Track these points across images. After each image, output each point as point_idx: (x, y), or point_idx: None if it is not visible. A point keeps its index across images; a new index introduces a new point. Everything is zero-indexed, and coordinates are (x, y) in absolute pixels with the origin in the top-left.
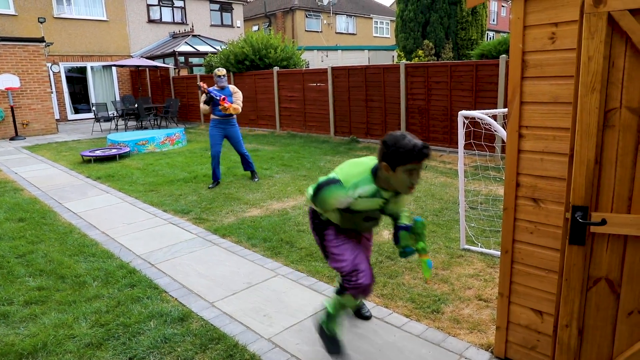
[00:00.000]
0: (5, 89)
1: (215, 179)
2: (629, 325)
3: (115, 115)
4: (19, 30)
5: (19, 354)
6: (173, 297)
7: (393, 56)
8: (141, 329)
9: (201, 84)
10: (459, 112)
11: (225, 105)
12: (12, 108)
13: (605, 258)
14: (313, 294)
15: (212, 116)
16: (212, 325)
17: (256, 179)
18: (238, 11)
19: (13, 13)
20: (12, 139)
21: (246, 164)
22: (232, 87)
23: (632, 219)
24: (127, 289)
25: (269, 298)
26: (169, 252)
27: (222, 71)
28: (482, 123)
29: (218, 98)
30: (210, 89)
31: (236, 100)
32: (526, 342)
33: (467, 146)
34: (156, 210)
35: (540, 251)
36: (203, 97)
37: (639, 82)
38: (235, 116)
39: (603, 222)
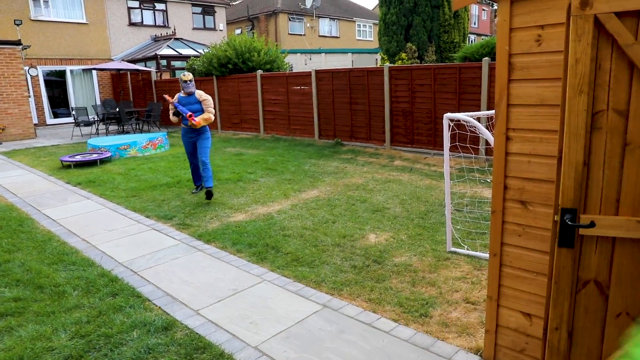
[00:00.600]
0: None
1: (198, 184)
2: (618, 327)
3: (95, 119)
4: None
5: None
6: (156, 306)
7: (376, 59)
8: (124, 339)
9: (167, 97)
10: (445, 115)
11: (194, 122)
12: None
13: (594, 260)
14: (300, 300)
15: (182, 124)
16: (197, 334)
17: (199, 191)
18: (221, 14)
19: None
20: None
21: (204, 175)
22: (200, 94)
23: (620, 221)
24: (108, 298)
25: (255, 305)
26: (152, 259)
27: (188, 76)
28: (467, 125)
29: (185, 114)
30: (177, 100)
31: (207, 108)
32: (515, 345)
33: (452, 148)
34: (138, 216)
35: (529, 254)
36: (172, 106)
37: (625, 84)
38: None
39: (592, 225)
